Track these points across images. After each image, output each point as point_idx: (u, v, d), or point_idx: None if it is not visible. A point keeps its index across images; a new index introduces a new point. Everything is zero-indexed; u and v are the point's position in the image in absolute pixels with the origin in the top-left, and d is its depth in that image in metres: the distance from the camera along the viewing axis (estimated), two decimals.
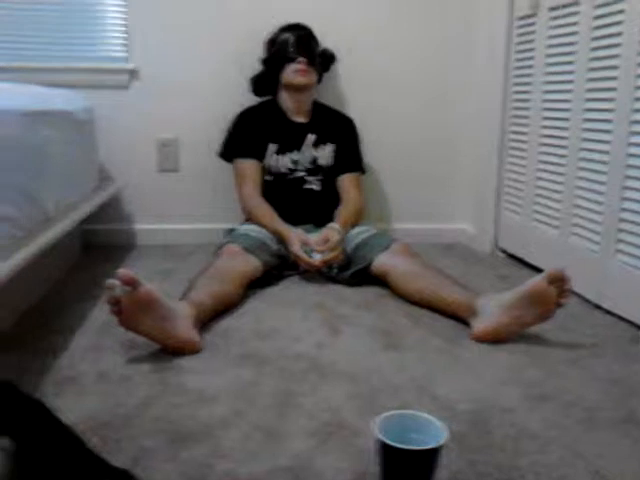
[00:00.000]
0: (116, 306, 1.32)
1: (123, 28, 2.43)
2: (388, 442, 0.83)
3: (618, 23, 1.71)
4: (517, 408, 1.20)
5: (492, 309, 1.52)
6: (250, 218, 2.19)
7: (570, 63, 1.94)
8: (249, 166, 2.22)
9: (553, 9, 2.04)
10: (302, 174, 2.25)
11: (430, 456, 0.84)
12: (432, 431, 0.87)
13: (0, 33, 2.37)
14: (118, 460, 0.96)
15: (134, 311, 1.33)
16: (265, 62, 2.30)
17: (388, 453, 0.84)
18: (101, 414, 1.15)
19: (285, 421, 1.14)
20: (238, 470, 0.99)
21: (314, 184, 2.26)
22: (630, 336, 1.60)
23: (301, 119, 2.30)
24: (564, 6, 1.97)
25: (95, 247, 2.45)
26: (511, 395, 1.25)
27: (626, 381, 1.33)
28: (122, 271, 1.32)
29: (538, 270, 2.01)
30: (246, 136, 2.24)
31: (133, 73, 2.45)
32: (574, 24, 1.92)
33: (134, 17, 2.41)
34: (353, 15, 2.50)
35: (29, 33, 2.38)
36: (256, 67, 2.35)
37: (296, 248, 1.96)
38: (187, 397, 1.23)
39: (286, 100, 2.28)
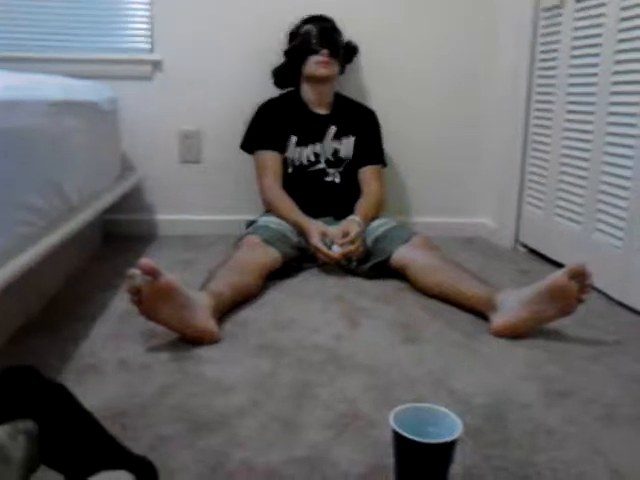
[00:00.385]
0: (136, 295, 1.34)
1: (147, 19, 2.44)
2: (404, 434, 0.83)
3: None
4: (535, 403, 1.19)
5: (512, 304, 1.51)
6: (270, 210, 2.19)
7: (595, 55, 1.91)
8: (270, 157, 2.23)
9: (580, 0, 2.01)
10: (323, 166, 2.25)
11: (445, 449, 0.84)
12: (448, 424, 0.87)
13: (26, 24, 2.40)
14: (136, 447, 0.97)
15: (154, 300, 1.34)
16: (287, 54, 2.30)
17: (403, 445, 0.84)
18: (120, 401, 1.17)
19: (302, 412, 1.15)
20: (254, 459, 0.99)
21: (335, 176, 2.25)
22: None
23: (323, 111, 2.30)
24: None
25: (116, 237, 2.48)
26: (529, 390, 1.25)
27: None
28: (143, 261, 1.33)
29: (560, 266, 1.99)
30: (267, 128, 2.24)
31: (156, 64, 2.47)
32: (600, 16, 1.89)
33: (158, 8, 2.42)
34: (376, 7, 2.49)
35: (54, 24, 2.41)
36: (279, 59, 2.35)
37: (315, 240, 1.96)
38: (205, 386, 1.24)
39: (308, 92, 2.28)
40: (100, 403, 1.14)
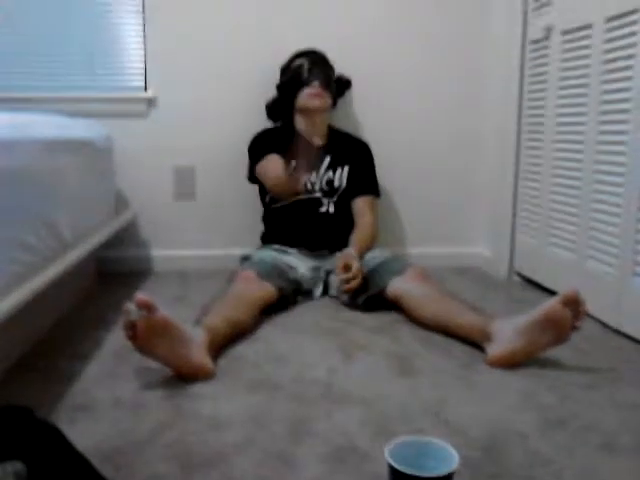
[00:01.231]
0: (131, 330, 1.34)
1: (141, 58, 2.48)
2: (399, 468, 0.82)
3: (631, 45, 1.71)
4: (532, 433, 1.18)
5: (507, 333, 1.51)
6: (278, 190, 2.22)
7: (583, 86, 1.94)
8: (271, 157, 2.20)
9: (566, 33, 2.05)
10: (318, 195, 2.26)
11: None
12: (444, 457, 0.86)
13: (20, 64, 2.44)
14: None
15: (149, 335, 1.34)
16: (280, 87, 2.33)
17: (399, 479, 0.83)
18: (115, 440, 1.16)
19: (298, 447, 1.14)
20: None
21: (329, 206, 2.26)
22: None
23: (317, 141, 2.32)
24: (576, 29, 1.98)
25: (111, 273, 2.47)
26: (526, 420, 1.24)
27: None
28: (139, 295, 1.33)
29: (554, 294, 1.99)
30: (266, 149, 2.23)
31: (151, 102, 2.50)
32: (586, 47, 1.93)
33: (151, 47, 2.46)
34: (367, 42, 2.53)
35: (49, 64, 2.45)
36: (272, 93, 2.39)
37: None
38: (200, 423, 1.23)
39: (301, 123, 2.30)
40: (94, 442, 1.13)
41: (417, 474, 0.81)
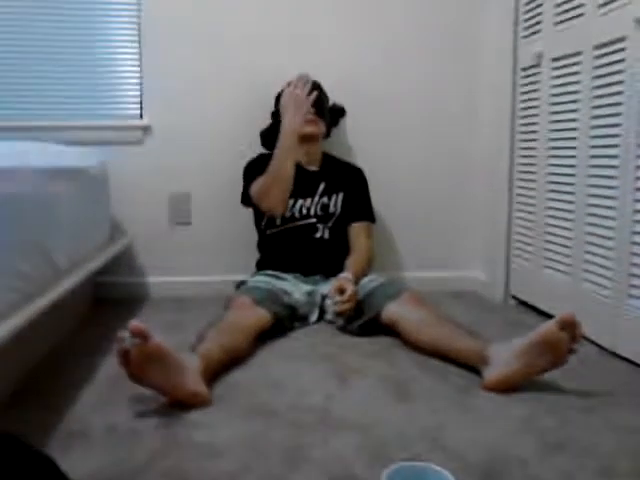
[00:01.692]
0: (125, 357, 1.33)
1: (136, 86, 2.50)
2: None
3: (619, 72, 1.74)
4: (530, 458, 1.17)
5: (503, 357, 1.51)
6: (265, 193, 2.17)
7: (574, 111, 1.97)
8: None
9: (555, 60, 2.08)
10: (313, 221, 2.26)
11: None
12: None
13: (14, 93, 2.46)
14: None
15: (143, 363, 1.33)
16: (274, 115, 2.35)
17: None
18: (109, 468, 1.14)
19: (294, 474, 1.12)
20: None
21: (324, 232, 2.27)
22: None
23: (312, 167, 2.33)
24: (566, 57, 2.01)
25: (107, 300, 2.47)
26: (524, 445, 1.23)
27: None
28: (133, 323, 1.33)
29: (550, 317, 1.99)
30: (260, 172, 2.21)
31: (146, 129, 2.51)
32: (576, 73, 1.96)
33: (147, 75, 2.49)
34: (360, 69, 2.56)
35: (44, 92, 2.47)
36: (267, 121, 2.40)
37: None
38: (196, 451, 1.21)
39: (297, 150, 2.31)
40: (88, 471, 1.12)
41: None
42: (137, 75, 2.50)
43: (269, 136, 2.39)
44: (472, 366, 1.61)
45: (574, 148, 1.97)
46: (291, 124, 2.12)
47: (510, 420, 1.35)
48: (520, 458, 1.17)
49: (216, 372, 1.57)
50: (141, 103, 2.52)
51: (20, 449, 0.86)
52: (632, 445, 1.23)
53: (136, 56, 2.49)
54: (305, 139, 2.27)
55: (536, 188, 2.23)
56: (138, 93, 2.51)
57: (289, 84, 2.31)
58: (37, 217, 1.52)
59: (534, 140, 2.23)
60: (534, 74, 2.23)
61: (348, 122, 2.56)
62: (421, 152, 2.64)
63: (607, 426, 1.32)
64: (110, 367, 1.65)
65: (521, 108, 2.33)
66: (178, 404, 1.40)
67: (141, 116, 2.52)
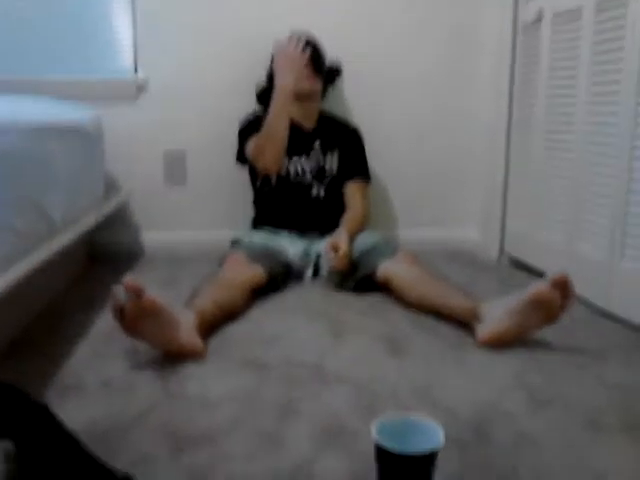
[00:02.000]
0: (120, 312, 1.34)
1: (131, 41, 2.46)
2: (384, 446, 0.83)
3: (620, 27, 1.71)
4: (519, 413, 1.19)
5: (496, 314, 1.52)
6: (260, 152, 2.15)
7: (574, 68, 1.94)
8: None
9: (557, 16, 2.04)
10: (309, 179, 2.25)
11: (426, 460, 0.83)
12: (430, 434, 0.87)
13: (7, 47, 2.41)
14: (120, 466, 0.96)
15: (138, 318, 1.34)
16: (271, 73, 2.31)
17: (385, 457, 0.84)
18: (104, 420, 1.16)
19: (286, 426, 1.14)
20: (239, 474, 0.99)
21: (320, 191, 2.26)
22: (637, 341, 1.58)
23: (308, 126, 2.31)
24: (567, 12, 1.98)
25: (102, 257, 2.47)
26: (514, 400, 1.25)
27: (632, 386, 1.32)
28: (127, 278, 1.33)
29: (544, 276, 2.00)
30: (256, 130, 2.19)
31: (141, 85, 2.48)
32: (577, 30, 1.92)
33: (142, 29, 2.44)
34: (359, 27, 2.52)
35: (37, 46, 2.42)
36: (263, 77, 2.37)
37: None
38: (189, 403, 1.23)
39: (292, 108, 2.28)
40: (83, 422, 1.13)
41: (403, 451, 0.82)
42: (131, 29, 2.45)
43: (264, 94, 2.36)
44: (465, 323, 1.62)
45: (573, 105, 1.95)
46: (284, 83, 2.09)
47: (501, 376, 1.36)
48: (509, 413, 1.19)
49: (210, 327, 1.58)
50: (135, 58, 2.47)
51: (17, 398, 0.87)
52: (620, 400, 1.25)
53: (130, 9, 2.44)
54: (302, 97, 2.24)
55: (533, 146, 2.21)
56: (132, 47, 2.46)
57: (281, 43, 2.26)
58: (31, 173, 1.50)
59: (533, 99, 2.21)
60: (535, 30, 2.19)
61: (344, 80, 2.52)
62: (418, 110, 2.61)
63: (597, 382, 1.34)
64: (105, 322, 1.66)
65: (522, 64, 2.30)
66: (172, 358, 1.42)
67: (136, 71, 2.48)
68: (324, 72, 2.31)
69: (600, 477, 0.98)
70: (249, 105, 2.39)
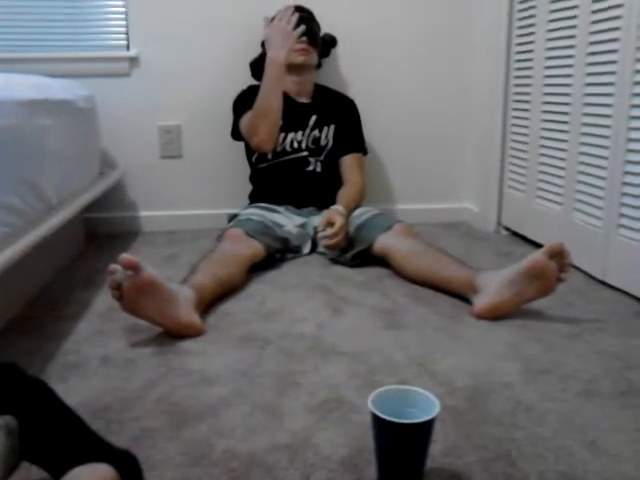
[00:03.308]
0: (118, 290, 1.34)
1: (122, 16, 2.43)
2: (381, 416, 0.84)
3: None
4: (515, 382, 1.21)
5: (492, 285, 1.53)
6: (254, 130, 2.14)
7: (571, 37, 1.92)
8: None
9: None
10: (304, 154, 2.24)
11: (422, 429, 0.85)
12: (426, 405, 0.88)
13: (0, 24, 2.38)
14: (120, 440, 0.98)
15: (136, 295, 1.35)
16: (264, 45, 2.29)
17: (381, 427, 0.85)
18: (104, 396, 1.17)
19: (286, 400, 1.15)
20: (238, 448, 1.00)
21: (316, 165, 2.26)
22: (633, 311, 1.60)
23: (303, 99, 2.30)
24: None
25: (99, 235, 2.47)
26: (510, 370, 1.26)
27: (627, 355, 1.33)
28: (124, 255, 1.33)
29: (541, 247, 2.00)
30: (251, 105, 2.17)
31: (133, 60, 2.45)
32: None
33: (133, 4, 2.41)
34: (354, 0, 2.49)
35: (28, 23, 2.39)
36: (258, 51, 2.35)
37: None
38: (189, 378, 1.24)
39: (287, 81, 2.25)
40: (84, 399, 1.15)
41: (399, 421, 0.83)
42: (122, 4, 2.42)
43: (259, 67, 2.34)
44: (461, 295, 1.63)
45: (570, 76, 1.93)
46: (276, 57, 2.07)
47: (497, 346, 1.38)
48: (505, 383, 1.21)
49: (209, 303, 1.59)
50: (127, 34, 2.45)
51: (16, 376, 0.88)
52: (614, 369, 1.26)
53: None
54: (297, 69, 2.23)
55: (530, 118, 2.20)
56: (124, 23, 2.44)
57: (273, 18, 2.23)
58: (24, 150, 1.50)
59: (529, 69, 2.19)
60: (531, 2, 2.16)
61: (339, 52, 2.50)
62: (414, 83, 2.59)
63: (591, 351, 1.35)
64: (104, 300, 1.67)
65: (517, 35, 2.28)
66: (172, 334, 1.43)
67: (128, 47, 2.46)
68: (319, 44, 2.28)
69: (592, 442, 1.00)
70: (244, 78, 2.37)
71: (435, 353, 1.35)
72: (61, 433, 0.85)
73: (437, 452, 0.96)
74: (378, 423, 0.85)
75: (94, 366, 1.30)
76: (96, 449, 0.86)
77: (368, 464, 0.94)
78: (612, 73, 1.72)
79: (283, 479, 0.92)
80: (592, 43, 1.81)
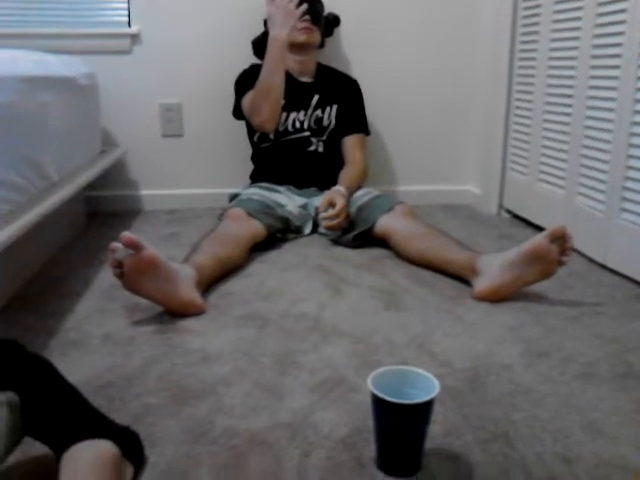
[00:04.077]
0: (119, 269, 1.34)
1: None
2: (381, 396, 0.84)
3: None
4: (515, 364, 1.21)
5: (493, 268, 1.53)
6: (255, 110, 2.11)
7: (577, 19, 1.90)
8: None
9: None
10: (307, 134, 2.23)
11: (421, 409, 0.85)
12: (426, 385, 0.88)
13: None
14: (122, 417, 0.99)
15: (137, 273, 1.35)
16: (267, 23, 2.27)
17: (381, 407, 0.86)
18: (106, 374, 1.18)
19: (286, 379, 1.16)
20: (239, 426, 1.01)
21: (318, 146, 2.25)
22: (633, 294, 1.60)
23: (306, 79, 2.28)
24: None
25: (100, 213, 2.47)
26: (509, 352, 1.27)
27: (626, 338, 1.33)
28: (125, 234, 1.33)
29: (542, 230, 2.00)
30: (252, 84, 2.15)
31: (135, 37, 2.43)
32: None
33: None
34: None
35: (29, 0, 2.37)
36: (260, 29, 2.33)
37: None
38: (190, 357, 1.25)
39: (289, 60, 2.23)
40: (86, 376, 1.15)
41: (398, 401, 0.83)
42: None
43: (261, 45, 2.32)
44: (462, 277, 1.63)
45: (575, 59, 1.92)
46: (278, 36, 2.04)
47: (497, 329, 1.38)
48: (505, 365, 1.21)
49: (210, 282, 1.60)
50: (129, 10, 2.42)
51: (18, 353, 0.88)
52: (612, 352, 1.27)
53: None
54: (299, 48, 2.21)
55: (534, 101, 2.19)
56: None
57: None
58: (24, 127, 1.49)
59: (534, 51, 2.17)
60: None
61: (343, 31, 2.48)
62: (418, 64, 2.57)
63: (591, 334, 1.35)
64: (105, 278, 1.67)
65: (523, 16, 2.26)
66: (173, 313, 1.43)
67: (129, 24, 2.44)
68: (322, 23, 2.26)
69: (590, 424, 1.01)
70: (247, 57, 2.35)
71: (435, 334, 1.35)
72: (63, 409, 0.86)
73: (436, 432, 0.97)
74: (378, 403, 0.86)
75: (96, 344, 1.31)
76: (98, 425, 0.87)
77: (367, 443, 0.95)
78: (618, 56, 1.70)
79: (283, 457, 0.93)
80: (598, 25, 1.80)
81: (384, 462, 0.89)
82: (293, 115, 2.22)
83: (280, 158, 2.23)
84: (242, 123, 2.31)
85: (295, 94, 2.21)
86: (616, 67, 1.71)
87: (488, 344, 1.30)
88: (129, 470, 0.86)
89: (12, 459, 0.88)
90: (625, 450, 0.94)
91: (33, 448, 0.90)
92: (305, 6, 2.09)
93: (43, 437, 0.85)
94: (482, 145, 2.56)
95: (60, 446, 0.82)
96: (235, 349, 1.28)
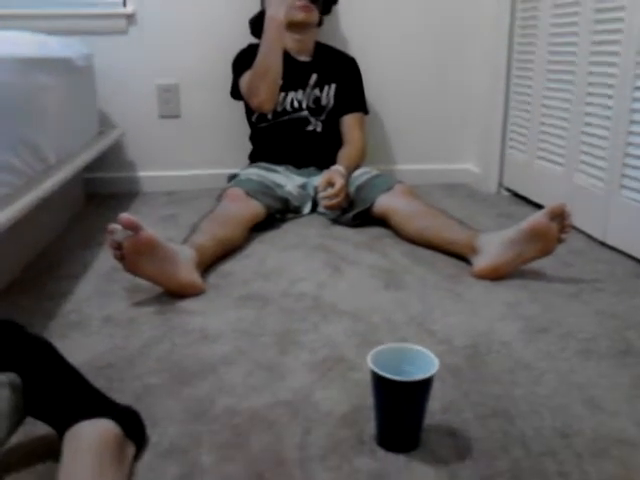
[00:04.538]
0: (118, 250, 1.34)
1: None
2: (380, 373, 0.85)
3: None
4: (514, 341, 1.21)
5: (493, 246, 1.52)
6: (253, 90, 2.10)
7: (576, 4, 1.89)
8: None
9: None
10: (305, 114, 2.22)
11: (421, 387, 0.85)
12: (425, 363, 0.89)
13: None
14: (122, 398, 0.99)
15: (136, 255, 1.35)
16: (265, 1, 2.24)
17: (381, 384, 0.86)
18: (106, 355, 1.18)
19: (286, 358, 1.16)
20: (239, 405, 1.01)
21: (317, 125, 2.23)
22: (633, 271, 1.60)
23: (304, 58, 2.26)
24: None
25: (99, 195, 2.46)
26: (509, 329, 1.27)
27: (625, 314, 1.34)
28: (123, 215, 1.33)
29: (542, 208, 2.00)
30: (250, 64, 2.13)
31: (130, 18, 2.41)
32: None
33: None
34: None
35: None
36: (257, 8, 2.30)
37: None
38: (190, 337, 1.25)
39: (287, 39, 2.20)
40: (86, 357, 1.16)
41: (398, 378, 0.84)
42: None
43: (258, 24, 2.29)
44: (462, 255, 1.63)
45: (575, 34, 1.90)
46: (275, 15, 2.02)
47: (496, 306, 1.38)
48: (504, 342, 1.22)
49: (209, 263, 1.60)
50: None
51: (19, 334, 0.88)
52: (612, 328, 1.27)
53: None
54: (297, 27, 2.18)
55: (533, 78, 2.17)
56: None
57: None
58: (23, 109, 1.48)
59: (534, 27, 2.15)
60: None
61: (341, 9, 2.45)
62: (416, 42, 2.54)
63: (590, 311, 1.36)
64: (105, 260, 1.67)
65: (523, 0, 2.24)
66: (173, 294, 1.43)
67: (124, 4, 2.41)
68: (320, 1, 2.23)
69: (589, 400, 1.01)
70: (244, 36, 2.33)
71: (435, 312, 1.35)
72: (64, 389, 0.87)
73: (436, 409, 0.98)
74: (377, 381, 0.86)
75: (96, 325, 1.31)
76: (99, 405, 0.88)
77: (367, 420, 0.95)
78: (619, 31, 1.69)
79: (284, 435, 0.93)
80: (599, 1, 1.78)
81: (384, 439, 0.90)
82: (291, 95, 2.21)
83: (279, 138, 2.22)
84: (240, 103, 2.30)
85: (293, 73, 2.20)
86: (616, 42, 1.70)
87: (488, 321, 1.31)
88: (131, 449, 0.86)
89: (15, 439, 0.88)
90: (624, 425, 0.95)
91: (35, 428, 0.90)
92: None
93: (45, 417, 0.86)
94: (481, 124, 2.54)
95: (62, 425, 0.83)
96: (235, 329, 1.28)
